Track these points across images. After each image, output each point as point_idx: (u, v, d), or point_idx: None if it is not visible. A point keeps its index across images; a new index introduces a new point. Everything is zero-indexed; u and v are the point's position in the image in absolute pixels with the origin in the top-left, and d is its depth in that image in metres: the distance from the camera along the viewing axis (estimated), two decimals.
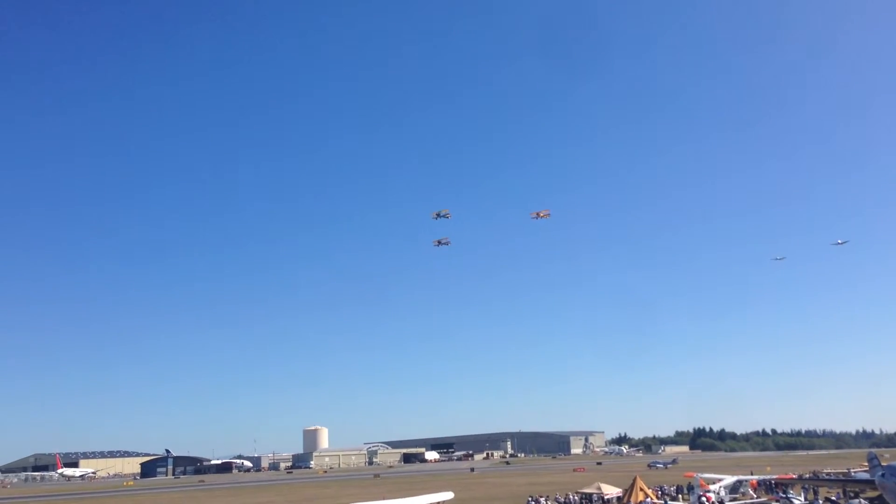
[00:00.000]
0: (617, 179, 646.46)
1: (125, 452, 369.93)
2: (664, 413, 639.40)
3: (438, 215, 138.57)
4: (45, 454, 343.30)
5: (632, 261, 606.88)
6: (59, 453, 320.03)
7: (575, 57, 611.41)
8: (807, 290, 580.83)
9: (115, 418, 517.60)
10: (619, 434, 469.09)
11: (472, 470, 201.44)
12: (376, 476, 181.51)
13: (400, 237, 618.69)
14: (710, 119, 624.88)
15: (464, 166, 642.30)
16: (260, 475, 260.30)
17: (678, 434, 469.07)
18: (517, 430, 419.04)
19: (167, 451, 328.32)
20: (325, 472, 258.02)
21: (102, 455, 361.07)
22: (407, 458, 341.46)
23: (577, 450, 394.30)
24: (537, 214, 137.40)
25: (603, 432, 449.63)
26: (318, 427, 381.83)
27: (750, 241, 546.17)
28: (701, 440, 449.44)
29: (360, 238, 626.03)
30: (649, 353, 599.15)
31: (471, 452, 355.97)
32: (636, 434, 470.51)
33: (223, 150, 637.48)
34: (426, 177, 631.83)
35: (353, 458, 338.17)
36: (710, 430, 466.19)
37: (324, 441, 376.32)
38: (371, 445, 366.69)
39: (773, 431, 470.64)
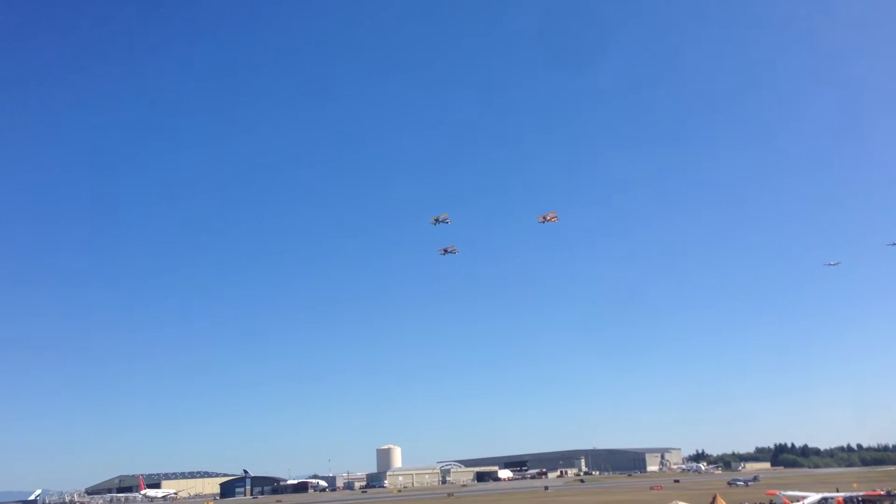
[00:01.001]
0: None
1: (205, 473, 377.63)
2: (743, 428, 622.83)
3: (437, 220, 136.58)
4: (128, 476, 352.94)
5: (701, 273, 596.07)
6: (142, 475, 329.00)
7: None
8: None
9: (195, 440, 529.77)
10: (697, 450, 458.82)
11: (546, 488, 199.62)
12: (450, 495, 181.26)
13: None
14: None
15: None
16: (335, 495, 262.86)
17: (758, 450, 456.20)
18: (591, 448, 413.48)
19: (245, 471, 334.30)
20: (399, 491, 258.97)
21: (183, 476, 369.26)
22: (480, 477, 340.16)
23: (652, 467, 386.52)
24: (544, 218, 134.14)
25: (679, 449, 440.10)
26: (391, 446, 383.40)
27: (808, 249, 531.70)
28: (783, 456, 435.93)
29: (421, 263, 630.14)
30: (726, 368, 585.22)
31: (544, 470, 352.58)
32: (714, 450, 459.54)
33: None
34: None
35: (427, 476, 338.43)
36: (792, 445, 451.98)
37: (397, 460, 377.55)
38: (444, 464, 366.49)
39: (859, 446, 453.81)
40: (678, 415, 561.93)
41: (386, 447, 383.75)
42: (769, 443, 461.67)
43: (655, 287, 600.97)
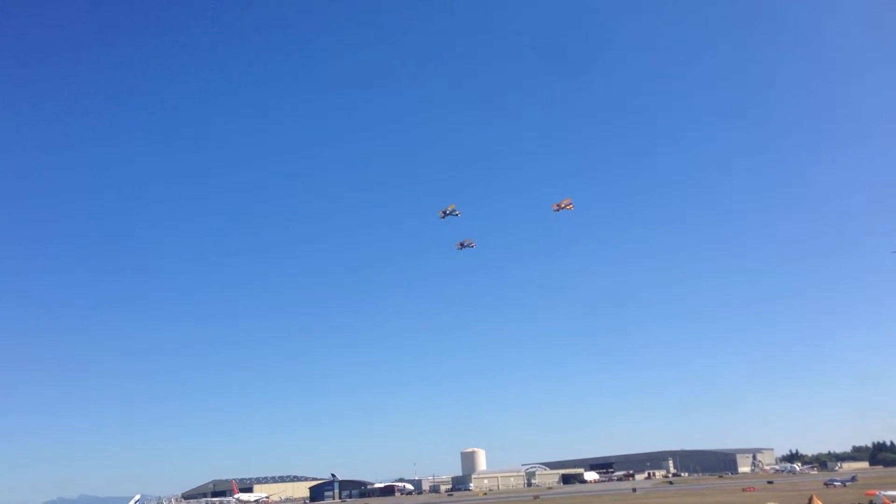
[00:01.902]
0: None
1: (294, 477, 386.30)
2: (838, 427, 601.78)
3: (446, 214, 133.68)
4: (222, 480, 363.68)
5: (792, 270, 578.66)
6: (235, 479, 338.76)
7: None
8: None
9: (285, 444, 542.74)
10: (790, 450, 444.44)
11: (635, 490, 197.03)
12: (536, 498, 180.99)
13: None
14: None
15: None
16: (421, 498, 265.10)
17: (855, 449, 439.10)
18: (679, 448, 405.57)
19: (333, 475, 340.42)
20: (485, 494, 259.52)
21: (274, 480, 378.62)
22: (565, 479, 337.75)
23: (744, 468, 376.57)
24: (559, 206, 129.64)
25: (772, 449, 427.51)
26: (476, 449, 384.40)
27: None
28: (882, 455, 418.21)
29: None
30: (819, 363, 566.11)
31: (631, 472, 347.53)
32: (808, 450, 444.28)
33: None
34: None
35: (512, 479, 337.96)
36: (892, 443, 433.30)
37: (482, 463, 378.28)
38: (529, 466, 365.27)
39: None
40: (770, 413, 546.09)
41: (470, 450, 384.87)
42: (867, 441, 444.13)
43: (753, 284, 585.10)
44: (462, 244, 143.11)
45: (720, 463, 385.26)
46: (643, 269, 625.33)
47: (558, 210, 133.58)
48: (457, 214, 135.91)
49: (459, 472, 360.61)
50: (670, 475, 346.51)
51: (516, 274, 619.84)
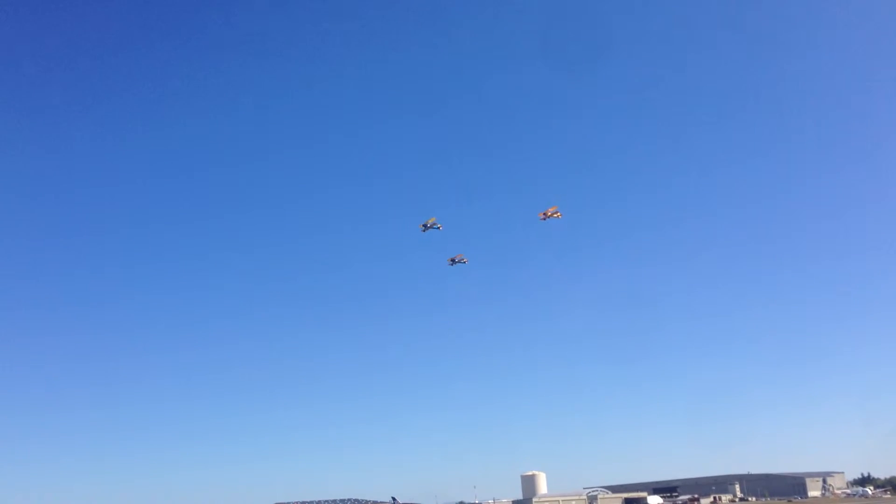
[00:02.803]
0: None
1: (356, 500, 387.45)
2: None
3: (426, 227, 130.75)
4: (284, 503, 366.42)
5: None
6: (297, 502, 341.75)
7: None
8: None
9: (346, 467, 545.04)
10: (862, 474, 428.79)
11: None
12: None
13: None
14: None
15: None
16: None
17: None
18: (745, 472, 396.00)
19: (393, 498, 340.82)
20: None
21: (335, 503, 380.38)
22: (628, 503, 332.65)
23: (814, 492, 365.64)
24: (545, 214, 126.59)
25: (843, 472, 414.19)
26: (536, 472, 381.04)
27: None
28: None
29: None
30: (892, 382, 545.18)
31: (696, 496, 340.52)
32: (881, 473, 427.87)
33: None
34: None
35: (573, 502, 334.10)
36: None
37: (542, 486, 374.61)
38: (590, 490, 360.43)
39: None
40: (840, 435, 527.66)
41: (530, 473, 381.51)
42: None
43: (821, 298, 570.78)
44: (453, 260, 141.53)
45: (788, 487, 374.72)
46: (699, 284, 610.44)
47: (545, 219, 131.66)
48: (438, 227, 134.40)
49: (520, 496, 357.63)
50: (737, 500, 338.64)
51: (547, 289, 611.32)
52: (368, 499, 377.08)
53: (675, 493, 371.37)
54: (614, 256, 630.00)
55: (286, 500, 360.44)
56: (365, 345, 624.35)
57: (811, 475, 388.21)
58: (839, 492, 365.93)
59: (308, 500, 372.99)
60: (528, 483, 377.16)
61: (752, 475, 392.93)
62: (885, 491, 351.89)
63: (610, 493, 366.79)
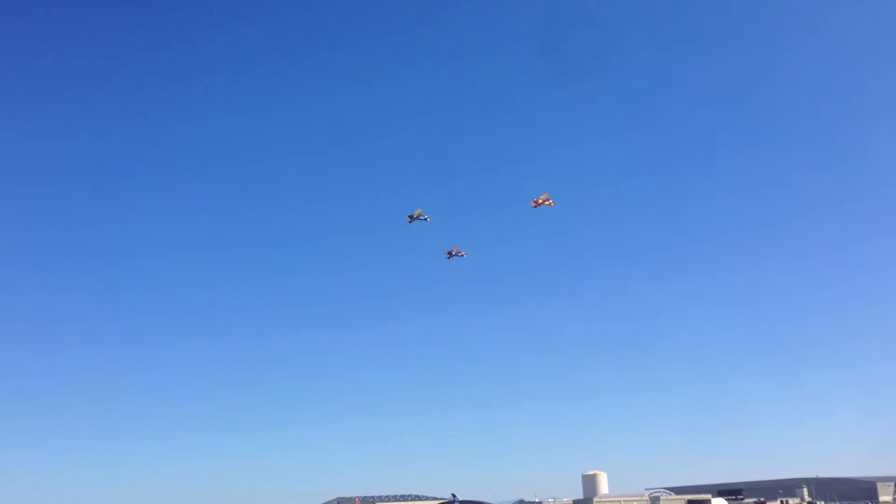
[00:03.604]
0: None
1: (415, 497, 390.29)
2: None
3: (412, 218, 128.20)
4: (346, 498, 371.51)
5: None
6: (358, 497, 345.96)
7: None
8: None
9: (406, 462, 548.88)
10: None
11: None
12: None
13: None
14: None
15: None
16: None
17: None
18: (814, 475, 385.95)
19: (453, 495, 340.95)
20: None
21: (395, 499, 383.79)
22: None
23: (885, 497, 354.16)
24: (536, 202, 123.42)
25: None
26: (597, 472, 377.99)
27: None
28: None
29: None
30: None
31: (762, 500, 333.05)
32: None
33: None
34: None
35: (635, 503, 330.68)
36: None
37: (603, 486, 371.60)
38: (653, 491, 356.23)
39: None
40: None
41: (591, 473, 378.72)
42: None
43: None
44: (450, 253, 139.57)
45: (859, 492, 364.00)
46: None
47: (536, 206, 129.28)
48: (425, 219, 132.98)
49: (580, 496, 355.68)
50: None
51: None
52: (428, 495, 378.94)
53: (741, 496, 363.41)
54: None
55: (348, 496, 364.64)
56: (420, 341, 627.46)
57: (883, 479, 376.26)
58: None
59: (369, 495, 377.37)
60: (589, 483, 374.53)
61: (820, 479, 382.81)
62: None
63: (673, 494, 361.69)
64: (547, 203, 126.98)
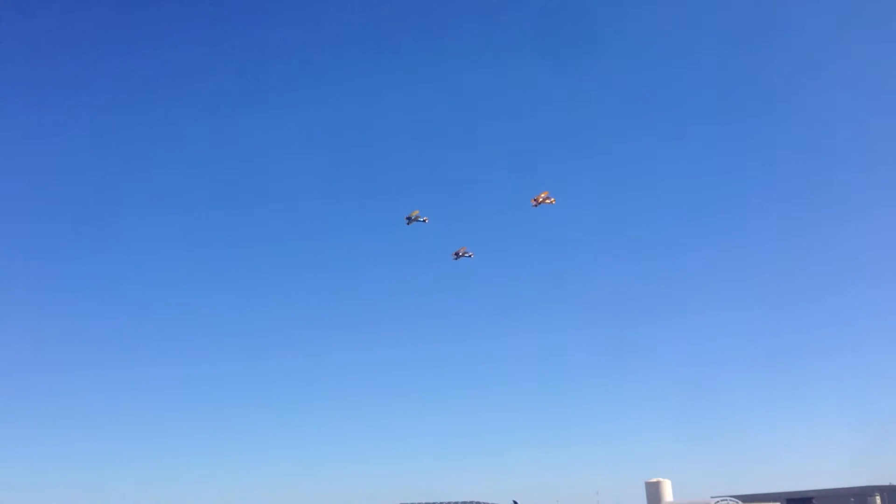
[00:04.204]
0: None
1: (477, 503, 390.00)
2: None
3: (410, 220, 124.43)
4: None
5: None
6: (419, 503, 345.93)
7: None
8: None
9: (463, 468, 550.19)
10: None
11: None
12: None
13: None
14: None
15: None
16: None
17: None
18: (887, 483, 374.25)
19: (515, 502, 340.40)
20: None
21: None
22: None
23: None
24: (537, 201, 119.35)
25: None
26: (661, 479, 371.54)
27: None
28: None
29: None
30: None
31: None
32: None
33: None
34: None
35: None
36: None
37: (667, 494, 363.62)
38: (719, 499, 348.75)
39: None
40: None
41: (655, 480, 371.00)
42: None
43: None
44: (458, 254, 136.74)
45: None
46: None
47: (537, 205, 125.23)
48: (423, 220, 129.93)
49: (643, 503, 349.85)
50: None
51: None
52: (489, 502, 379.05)
53: None
54: None
55: (408, 502, 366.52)
56: (483, 346, 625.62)
57: None
58: None
59: (430, 501, 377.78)
60: (653, 490, 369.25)
61: (894, 486, 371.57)
62: None
63: (740, 502, 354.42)
64: (548, 202, 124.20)
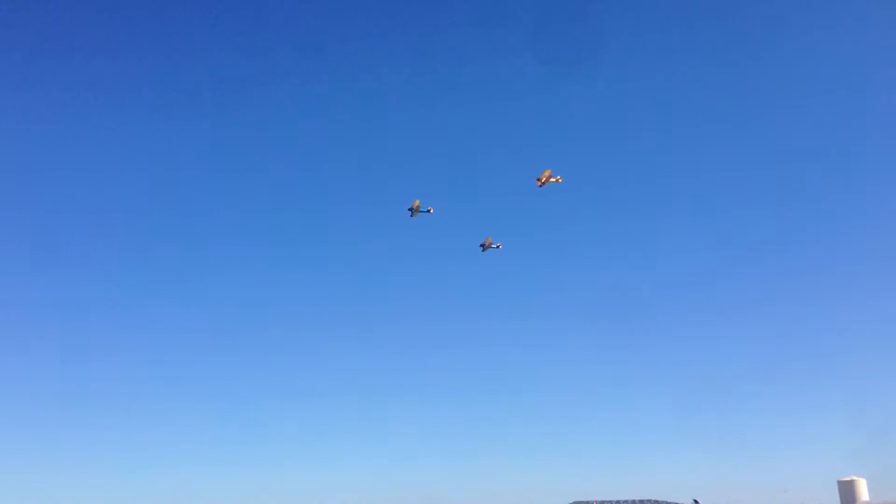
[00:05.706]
0: None
1: (655, 501, 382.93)
2: None
3: (413, 211, 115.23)
4: (582, 501, 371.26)
5: None
6: (595, 501, 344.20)
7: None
8: None
9: (642, 465, 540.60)
10: None
11: None
12: None
13: None
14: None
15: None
16: None
17: None
18: None
19: (695, 500, 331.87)
20: None
21: (634, 503, 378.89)
22: None
23: None
24: (541, 181, 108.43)
25: None
26: (856, 478, 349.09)
27: None
28: None
29: None
30: None
31: None
32: None
33: None
34: None
35: None
36: None
37: (863, 494, 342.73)
38: None
39: None
40: None
41: (849, 479, 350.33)
42: None
43: None
44: (484, 245, 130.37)
45: None
46: None
47: (542, 185, 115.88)
48: (429, 211, 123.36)
49: (835, 503, 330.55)
50: None
51: None
52: (669, 500, 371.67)
53: None
54: None
55: (584, 499, 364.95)
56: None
57: None
58: None
59: (607, 499, 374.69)
60: (846, 489, 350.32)
61: None
62: None
63: None
64: (553, 180, 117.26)
